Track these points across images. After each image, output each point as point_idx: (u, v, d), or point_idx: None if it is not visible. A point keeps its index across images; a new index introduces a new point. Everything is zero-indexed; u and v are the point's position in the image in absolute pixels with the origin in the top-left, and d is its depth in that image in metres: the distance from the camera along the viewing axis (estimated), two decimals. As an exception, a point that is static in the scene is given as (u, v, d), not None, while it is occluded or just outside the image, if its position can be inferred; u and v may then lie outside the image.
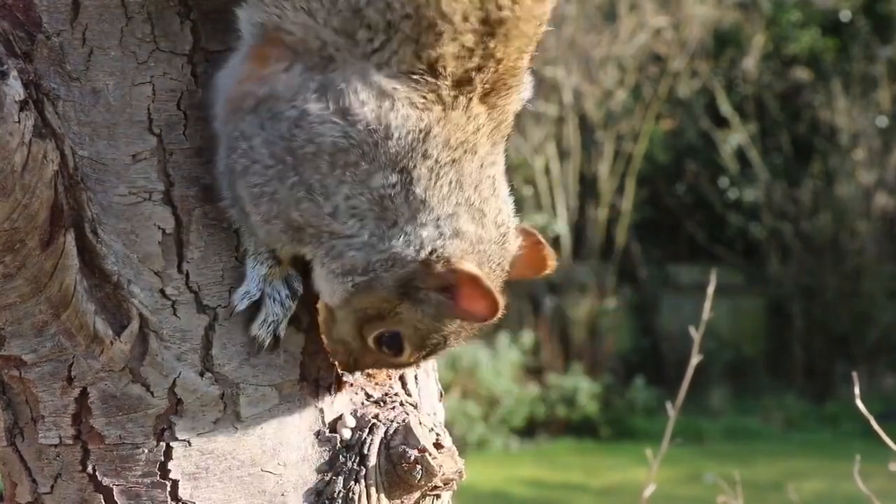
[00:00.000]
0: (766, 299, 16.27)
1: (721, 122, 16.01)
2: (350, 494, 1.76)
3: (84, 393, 1.70)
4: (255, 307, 1.72)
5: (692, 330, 3.08)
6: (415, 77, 1.60)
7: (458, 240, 1.65)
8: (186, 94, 1.69)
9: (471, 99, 1.63)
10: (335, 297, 1.70)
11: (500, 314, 1.64)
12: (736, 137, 15.95)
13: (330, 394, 1.81)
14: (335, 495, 1.76)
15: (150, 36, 1.68)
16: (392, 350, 1.73)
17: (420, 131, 1.60)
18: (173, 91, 1.69)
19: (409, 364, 1.76)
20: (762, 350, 16.13)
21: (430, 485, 1.78)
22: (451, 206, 1.64)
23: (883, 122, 15.76)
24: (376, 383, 1.86)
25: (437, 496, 1.84)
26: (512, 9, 1.62)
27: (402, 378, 1.88)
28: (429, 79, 1.60)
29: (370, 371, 1.85)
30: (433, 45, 1.59)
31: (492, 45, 1.61)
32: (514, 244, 1.73)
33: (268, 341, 1.72)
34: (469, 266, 1.65)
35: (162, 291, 1.70)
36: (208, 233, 1.72)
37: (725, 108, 15.83)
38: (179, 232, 1.71)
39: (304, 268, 1.75)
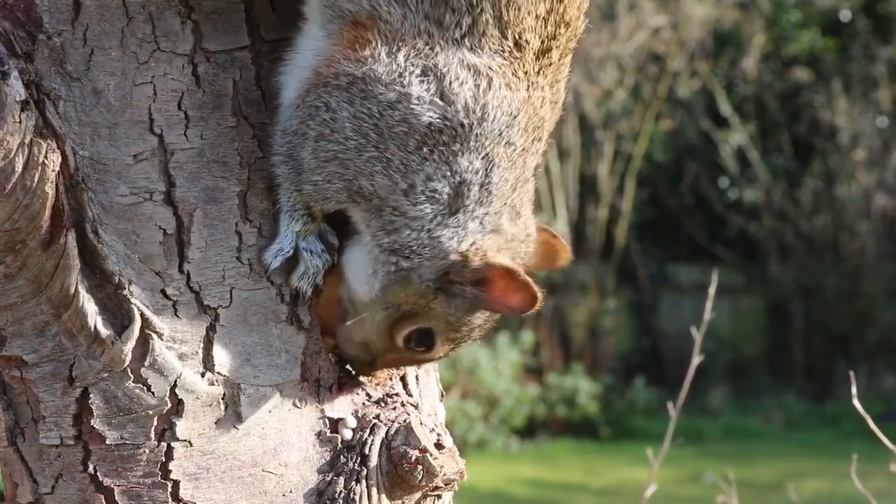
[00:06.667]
0: (766, 299, 16.27)
1: (721, 123, 16.00)
2: (351, 495, 1.76)
3: (85, 393, 1.69)
4: (291, 263, 1.72)
5: (693, 330, 3.08)
6: (505, 55, 1.65)
7: (496, 235, 1.69)
8: (187, 94, 1.69)
9: (546, 76, 1.68)
10: (374, 285, 1.71)
11: (538, 305, 1.68)
12: (736, 137, 15.95)
13: (331, 394, 1.81)
14: (336, 496, 1.76)
15: (150, 36, 1.68)
16: (423, 346, 1.76)
17: (510, 115, 1.65)
18: (174, 91, 1.69)
19: (436, 359, 1.80)
20: (762, 350, 16.13)
21: (431, 485, 1.78)
22: (501, 203, 1.69)
23: (883, 122, 15.75)
24: (377, 384, 1.85)
25: (438, 496, 1.84)
26: None
27: (402, 378, 1.88)
28: (516, 54, 1.65)
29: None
30: (514, 20, 1.63)
31: (561, 8, 1.67)
32: (534, 243, 1.77)
33: (309, 292, 1.73)
34: (504, 260, 1.69)
35: (163, 292, 1.70)
36: (209, 233, 1.72)
37: (725, 108, 15.82)
38: (180, 232, 1.71)
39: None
